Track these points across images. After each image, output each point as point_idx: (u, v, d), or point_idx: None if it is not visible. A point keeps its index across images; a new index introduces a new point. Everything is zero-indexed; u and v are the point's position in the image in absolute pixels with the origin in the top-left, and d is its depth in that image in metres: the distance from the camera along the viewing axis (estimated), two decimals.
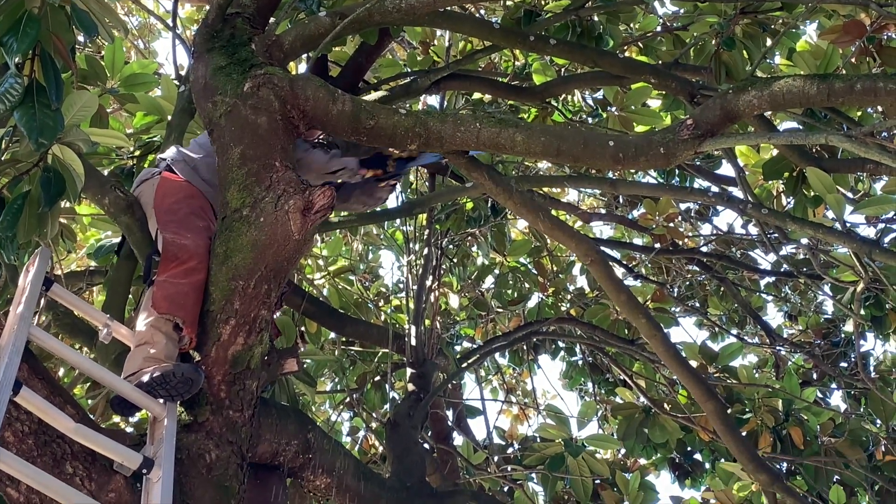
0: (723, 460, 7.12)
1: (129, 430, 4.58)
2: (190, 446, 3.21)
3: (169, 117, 5.20)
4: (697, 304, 8.74)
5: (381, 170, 4.56)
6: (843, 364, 8.01)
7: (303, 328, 6.45)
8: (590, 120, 7.21)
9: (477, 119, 3.91)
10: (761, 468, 5.63)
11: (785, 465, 6.66)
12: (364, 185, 4.74)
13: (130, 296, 4.68)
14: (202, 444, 3.25)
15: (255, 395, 3.52)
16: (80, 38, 3.87)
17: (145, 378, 3.16)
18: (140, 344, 3.34)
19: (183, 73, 5.50)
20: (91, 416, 5.42)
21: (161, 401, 3.17)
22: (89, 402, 6.25)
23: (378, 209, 8.40)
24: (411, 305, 7.03)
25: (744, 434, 6.14)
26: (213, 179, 3.99)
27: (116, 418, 5.90)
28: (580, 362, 8.74)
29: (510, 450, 7.93)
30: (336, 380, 8.23)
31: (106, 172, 5.10)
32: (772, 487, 5.66)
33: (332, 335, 7.39)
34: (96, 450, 2.90)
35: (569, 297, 8.57)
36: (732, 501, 6.54)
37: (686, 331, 27.88)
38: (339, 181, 4.66)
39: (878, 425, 6.70)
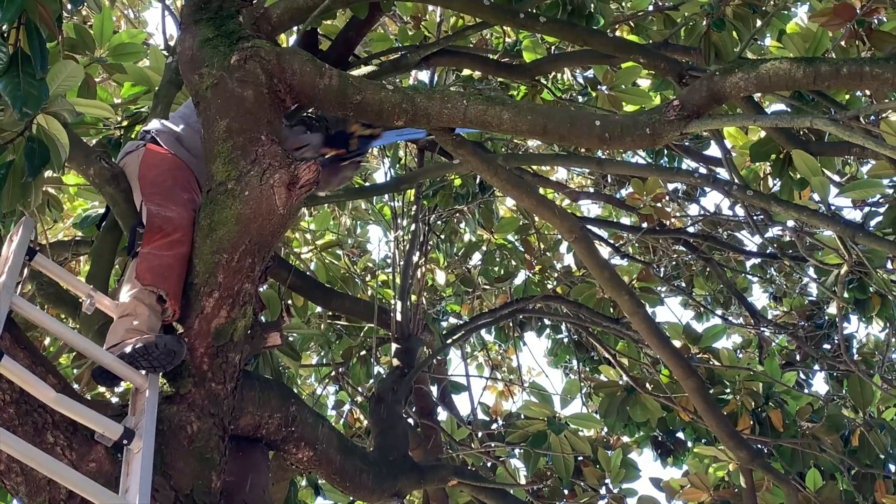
0: (703, 441, 7.19)
1: (115, 400, 4.58)
2: (171, 418, 3.22)
3: (157, 88, 5.18)
4: (683, 285, 8.78)
5: (344, 149, 4.53)
6: (827, 346, 8.06)
7: (289, 302, 6.47)
8: (580, 99, 7.21)
9: (464, 96, 3.91)
10: (741, 445, 5.68)
11: (763, 448, 6.70)
12: (329, 164, 4.71)
13: (117, 266, 4.69)
14: (184, 415, 3.26)
15: (238, 367, 3.53)
16: (69, 6, 3.85)
17: (127, 349, 3.17)
18: (123, 315, 3.34)
19: (172, 43, 5.48)
20: (75, 387, 5.44)
21: (143, 372, 3.18)
22: (75, 371, 6.26)
23: (367, 184, 8.40)
24: (398, 281, 7.05)
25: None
26: (197, 150, 3.98)
27: (102, 389, 5.91)
28: (566, 340, 8.78)
29: (494, 426, 7.98)
30: (322, 354, 8.25)
31: (93, 143, 5.09)
32: (751, 464, 5.71)
33: (319, 309, 7.40)
34: (77, 420, 2.90)
35: (555, 275, 8.60)
36: (707, 484, 6.59)
37: (672, 311, 28.01)
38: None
39: (855, 412, 6.75)
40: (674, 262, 8.69)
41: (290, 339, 6.91)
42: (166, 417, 3.21)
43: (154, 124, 4.15)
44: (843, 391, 7.32)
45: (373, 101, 3.93)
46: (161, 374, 3.25)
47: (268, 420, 3.83)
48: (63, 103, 3.57)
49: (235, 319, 3.50)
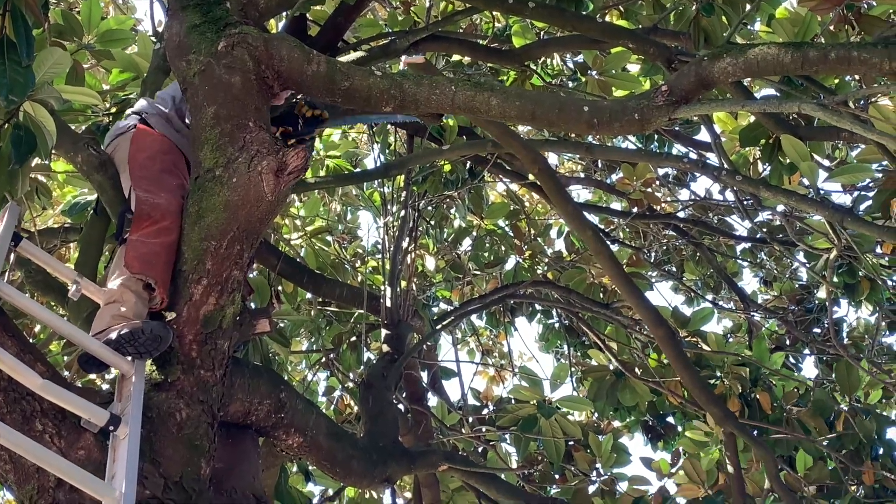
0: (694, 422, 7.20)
1: (105, 388, 4.59)
2: (160, 405, 3.23)
3: (145, 75, 5.16)
4: (673, 269, 8.80)
5: (292, 127, 4.50)
6: (816, 330, 8.09)
7: (278, 288, 6.46)
8: (569, 84, 7.20)
9: (452, 82, 3.90)
10: (713, 402, 5.71)
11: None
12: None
13: (107, 253, 4.68)
14: (173, 402, 3.26)
15: (227, 354, 3.53)
16: None
17: (113, 335, 3.17)
18: (109, 302, 3.34)
19: (160, 29, 5.45)
20: (65, 374, 5.43)
21: (129, 358, 3.17)
22: (65, 358, 6.26)
23: (356, 170, 8.38)
24: (388, 267, 7.04)
25: None
26: (186, 130, 3.97)
27: (92, 376, 5.91)
28: (556, 325, 8.79)
29: (484, 411, 7.99)
30: (312, 340, 8.25)
31: (81, 130, 5.07)
32: (724, 423, 5.74)
33: (308, 296, 7.40)
34: (63, 406, 2.91)
35: (546, 260, 8.60)
36: (701, 475, 6.60)
37: (662, 295, 28.06)
38: None
39: (842, 397, 6.79)
40: (664, 247, 8.70)
41: (280, 325, 6.91)
42: (155, 405, 3.21)
43: (143, 105, 4.13)
44: (833, 375, 7.35)
45: (361, 87, 3.92)
46: (149, 360, 3.25)
47: (257, 407, 3.83)
48: (50, 90, 3.56)
49: (224, 306, 3.50)
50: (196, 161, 3.69)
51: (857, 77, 5.76)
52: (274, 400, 3.89)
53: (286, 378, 5.31)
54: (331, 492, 7.78)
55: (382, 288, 6.87)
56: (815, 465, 6.59)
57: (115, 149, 3.95)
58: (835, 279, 6.52)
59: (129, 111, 4.22)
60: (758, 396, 6.48)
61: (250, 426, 3.90)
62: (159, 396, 3.27)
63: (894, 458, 6.67)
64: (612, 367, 7.13)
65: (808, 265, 7.13)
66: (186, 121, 4.03)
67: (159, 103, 4.13)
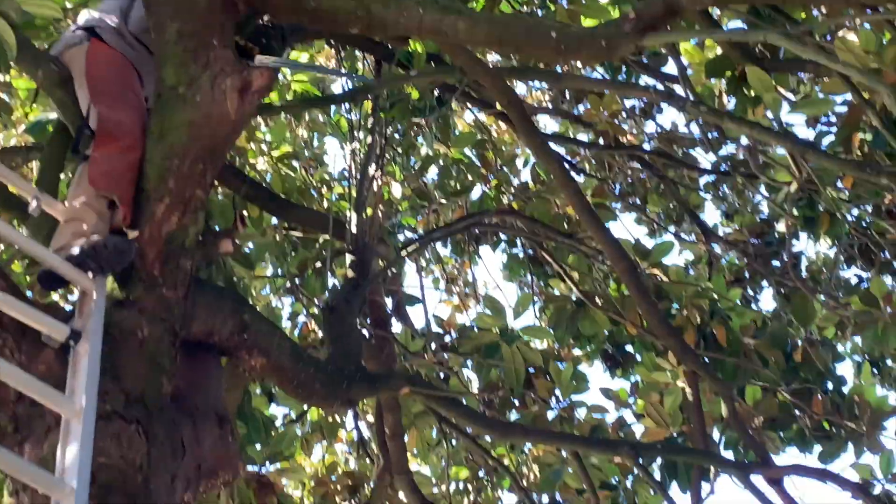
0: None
1: (69, 308, 4.58)
2: (122, 322, 3.24)
3: None
4: (638, 202, 8.83)
5: (258, 46, 4.43)
6: (776, 263, 8.18)
7: (244, 212, 6.44)
8: (539, 12, 7.15)
9: (419, 4, 3.86)
10: (672, 334, 5.82)
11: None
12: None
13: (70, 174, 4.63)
14: (134, 320, 3.28)
15: (190, 273, 3.53)
16: None
17: (75, 251, 3.16)
18: (70, 219, 3.32)
19: None
20: (28, 291, 5.41)
21: (90, 274, 3.17)
22: (27, 279, 6.22)
23: (322, 95, 8.30)
24: (354, 193, 7.02)
25: None
26: (136, 45, 3.90)
27: (55, 297, 5.89)
28: (520, 255, 8.83)
29: (447, 338, 8.06)
30: (277, 265, 8.24)
31: (45, 47, 4.98)
32: (683, 357, 5.85)
33: (274, 220, 7.38)
34: (22, 320, 2.91)
35: (512, 190, 8.61)
36: (665, 418, 6.70)
37: (626, 227, 28.24)
38: None
39: (798, 329, 6.90)
40: (629, 179, 8.74)
41: (246, 251, 6.90)
42: (116, 322, 3.23)
43: (92, 17, 3.99)
44: (789, 308, 7.46)
45: (328, 7, 3.86)
46: (110, 276, 3.24)
47: (220, 327, 3.84)
48: (9, 2, 3.49)
49: (187, 226, 3.50)
50: (158, 78, 3.65)
51: (823, 10, 5.77)
52: (237, 320, 3.90)
53: (251, 303, 5.32)
54: (293, 415, 7.86)
55: (348, 214, 6.86)
56: (766, 397, 6.73)
57: (70, 61, 3.87)
58: (795, 212, 6.59)
59: (79, 22, 4.10)
60: (714, 329, 6.57)
61: (213, 346, 3.92)
62: (121, 314, 3.28)
63: (841, 393, 6.83)
64: (573, 297, 7.20)
65: (769, 198, 7.19)
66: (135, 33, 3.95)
67: (107, 16, 4.01)
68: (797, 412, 6.74)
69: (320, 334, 7.92)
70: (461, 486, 8.42)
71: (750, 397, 6.75)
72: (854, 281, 8.28)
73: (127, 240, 3.28)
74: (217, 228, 5.28)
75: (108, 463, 2.97)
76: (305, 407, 7.54)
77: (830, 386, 6.93)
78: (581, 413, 7.25)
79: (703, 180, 8.72)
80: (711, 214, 21.07)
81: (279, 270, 8.18)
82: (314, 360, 4.53)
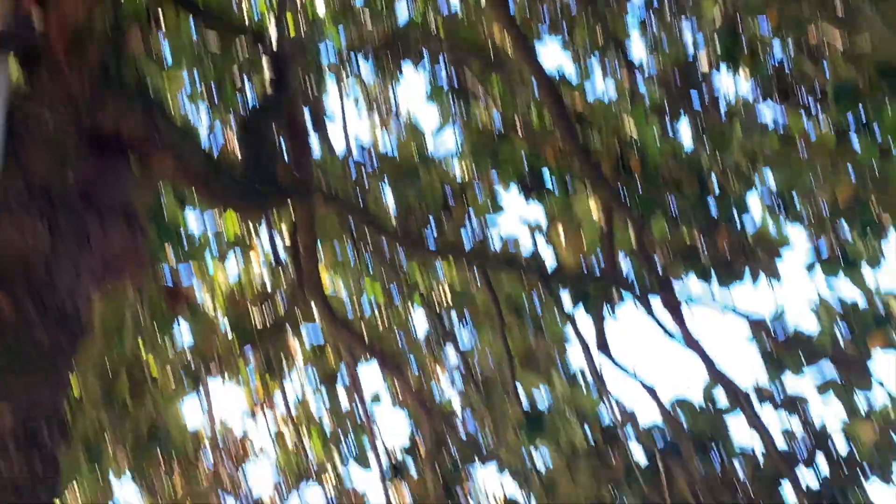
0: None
1: None
2: (25, 109, 3.14)
3: None
4: (565, 29, 8.71)
5: None
6: (696, 97, 8.18)
7: (159, 14, 6.20)
8: None
9: None
10: (582, 152, 5.88)
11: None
12: None
13: None
14: (38, 109, 3.19)
15: (98, 65, 3.42)
16: None
17: None
18: None
19: None
20: None
21: None
22: None
23: None
24: (275, 2, 6.80)
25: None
26: None
27: None
28: (444, 79, 8.72)
29: (367, 160, 8.01)
30: (194, 71, 8.01)
31: None
32: (599, 187, 5.94)
33: (192, 27, 7.13)
34: None
35: (440, 16, 8.42)
36: (574, 244, 6.79)
37: (551, 56, 28.13)
38: None
39: (714, 156, 6.97)
40: (556, 5, 8.59)
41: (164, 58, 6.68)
42: (19, 109, 3.13)
43: None
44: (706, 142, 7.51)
45: None
46: (13, 60, 3.12)
47: (130, 123, 3.73)
48: None
49: (93, 15, 3.36)
50: None
51: None
52: (147, 118, 3.79)
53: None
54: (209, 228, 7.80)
55: (269, 24, 6.66)
56: (676, 231, 6.85)
57: None
58: (717, 45, 6.58)
59: None
60: (628, 158, 6.62)
61: (123, 145, 3.82)
62: (25, 103, 3.18)
63: (745, 224, 6.95)
64: (494, 124, 7.18)
65: (694, 32, 7.16)
66: None
67: None
68: (702, 246, 6.88)
69: (236, 147, 7.81)
70: (374, 303, 8.52)
71: (658, 231, 6.86)
72: (772, 126, 8.36)
73: (29, 20, 3.15)
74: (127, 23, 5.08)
75: (11, 253, 2.94)
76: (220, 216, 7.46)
77: (738, 223, 7.05)
78: (496, 242, 7.32)
79: (632, 12, 8.62)
80: (636, 50, 21.01)
81: (196, 78, 7.98)
82: (229, 171, 4.47)
